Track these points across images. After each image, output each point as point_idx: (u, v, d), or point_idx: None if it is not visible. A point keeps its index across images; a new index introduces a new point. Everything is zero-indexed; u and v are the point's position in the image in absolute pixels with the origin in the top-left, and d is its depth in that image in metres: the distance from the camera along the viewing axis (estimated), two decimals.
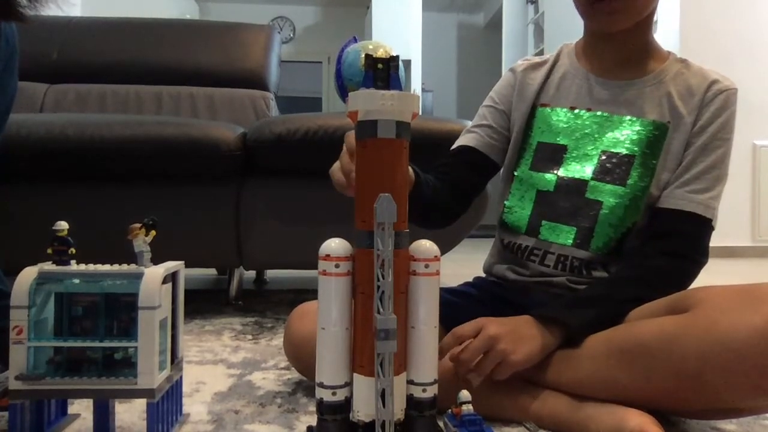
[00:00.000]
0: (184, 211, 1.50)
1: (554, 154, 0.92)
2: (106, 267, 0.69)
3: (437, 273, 0.64)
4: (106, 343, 0.67)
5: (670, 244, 0.83)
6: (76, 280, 0.68)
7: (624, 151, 0.88)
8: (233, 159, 1.49)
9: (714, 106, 0.86)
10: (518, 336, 0.76)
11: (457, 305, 0.93)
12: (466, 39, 6.95)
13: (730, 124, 0.87)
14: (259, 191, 1.55)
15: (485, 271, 1.01)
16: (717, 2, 3.32)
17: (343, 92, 1.58)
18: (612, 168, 0.88)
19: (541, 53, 5.18)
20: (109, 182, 1.48)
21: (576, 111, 0.93)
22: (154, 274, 0.67)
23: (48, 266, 0.68)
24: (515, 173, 0.96)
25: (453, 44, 6.95)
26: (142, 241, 0.69)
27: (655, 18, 3.27)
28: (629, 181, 0.87)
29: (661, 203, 0.86)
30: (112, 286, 0.68)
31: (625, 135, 0.89)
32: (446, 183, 0.94)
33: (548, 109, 0.95)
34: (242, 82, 2.27)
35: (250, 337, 1.33)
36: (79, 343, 0.67)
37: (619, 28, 0.88)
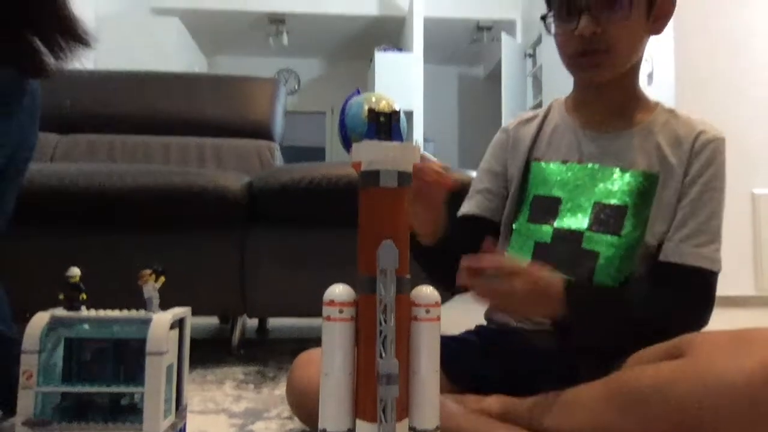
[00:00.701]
0: (190, 258, 1.52)
1: (550, 207, 0.94)
2: (116, 312, 0.71)
3: (438, 318, 0.66)
4: (114, 389, 0.68)
5: (679, 296, 0.85)
6: (86, 326, 0.70)
7: (616, 202, 0.90)
8: (239, 207, 1.52)
9: (704, 156, 0.88)
10: (538, 298, 0.79)
11: (459, 352, 0.94)
12: (467, 90, 7.11)
13: (721, 173, 0.89)
14: (263, 239, 1.58)
15: (486, 318, 1.02)
16: (711, 54, 3.41)
17: (346, 143, 1.62)
18: (606, 219, 0.90)
19: (539, 104, 5.29)
20: (118, 229, 1.51)
21: (568, 164, 0.95)
22: (162, 320, 0.69)
23: (60, 311, 0.70)
24: (513, 226, 0.98)
25: (454, 95, 7.11)
26: (151, 287, 0.71)
27: (650, 70, 3.36)
28: (623, 231, 0.88)
29: (666, 257, 0.87)
30: (121, 332, 0.70)
31: (616, 186, 0.90)
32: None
33: (542, 163, 0.97)
34: (248, 132, 2.33)
35: (252, 386, 1.33)
36: (87, 388, 0.68)
37: (603, 80, 0.90)
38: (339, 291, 0.65)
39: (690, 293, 0.85)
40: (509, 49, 5.52)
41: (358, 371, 0.63)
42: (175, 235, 1.52)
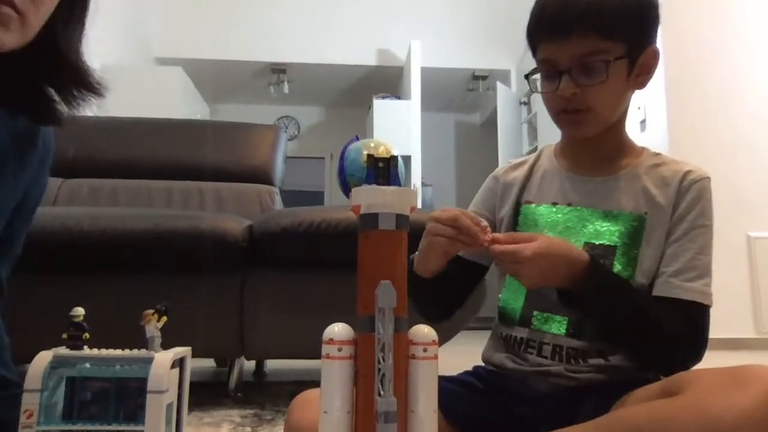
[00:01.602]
0: (189, 300, 1.53)
1: None
2: (118, 352, 0.72)
3: (436, 357, 0.67)
4: (114, 427, 0.69)
5: (675, 327, 0.86)
6: (88, 365, 0.71)
7: (606, 242, 0.92)
8: (239, 250, 1.54)
9: (690, 195, 0.90)
10: (562, 259, 0.83)
11: (457, 393, 0.94)
12: (464, 137, 7.23)
13: (707, 210, 0.91)
14: (263, 281, 1.59)
15: (484, 360, 1.03)
16: (703, 100, 3.50)
17: (345, 187, 1.66)
18: (596, 258, 0.91)
19: (535, 150, 5.38)
20: (120, 271, 1.53)
21: (557, 206, 0.97)
22: (163, 358, 0.70)
23: (62, 350, 0.71)
24: None
25: (451, 141, 7.22)
26: (153, 327, 0.73)
27: (642, 117, 3.43)
28: (614, 271, 0.90)
29: (658, 293, 0.88)
30: (122, 371, 0.71)
31: (605, 227, 0.92)
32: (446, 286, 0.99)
33: (533, 206, 1.00)
34: (249, 177, 2.38)
35: (249, 429, 1.32)
36: (87, 427, 0.68)
37: (585, 136, 0.94)
38: (338, 330, 0.66)
39: (683, 327, 0.86)
40: (504, 97, 5.64)
41: (357, 409, 0.64)
42: (175, 277, 1.54)
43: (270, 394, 1.76)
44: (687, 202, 0.90)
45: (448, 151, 7.16)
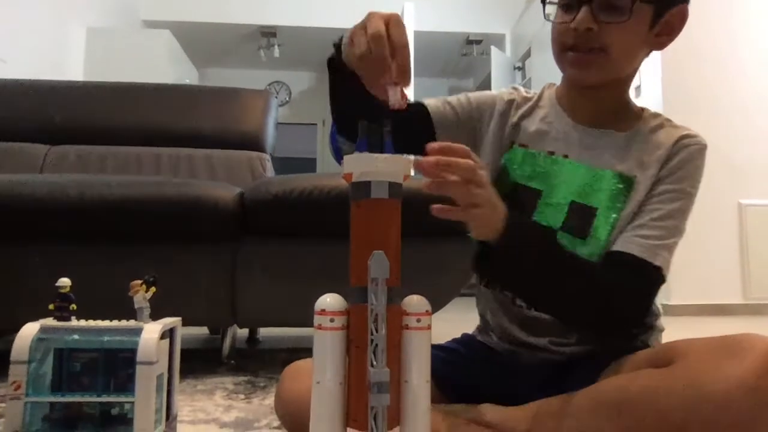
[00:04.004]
0: (180, 269, 1.52)
1: (530, 199, 0.91)
2: (106, 323, 0.71)
3: (429, 327, 0.66)
4: (104, 398, 0.68)
5: (615, 280, 0.81)
6: (76, 336, 0.70)
7: (588, 203, 0.88)
8: (230, 218, 1.52)
9: (679, 158, 0.86)
10: (494, 201, 0.72)
11: (448, 362, 0.95)
12: None
13: (692, 177, 0.86)
14: (254, 250, 1.58)
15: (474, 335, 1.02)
16: (698, 67, 3.47)
17: (337, 154, 1.62)
18: (576, 219, 0.87)
19: None
20: (109, 240, 1.51)
21: (553, 156, 0.92)
22: (152, 329, 0.69)
23: (49, 322, 0.70)
24: None
25: None
26: (142, 297, 0.71)
27: (638, 83, 3.38)
28: (590, 235, 0.86)
29: (614, 246, 0.84)
30: (111, 342, 0.70)
31: (593, 186, 0.88)
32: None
33: (527, 150, 0.93)
34: (240, 144, 2.34)
35: (242, 396, 1.33)
36: (77, 398, 0.68)
37: (590, 82, 0.88)
38: (330, 300, 0.65)
39: (626, 280, 0.81)
40: (499, 62, 5.57)
41: (350, 380, 0.64)
42: (165, 245, 1.52)
43: (263, 361, 1.77)
44: (673, 164, 0.86)
45: None
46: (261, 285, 1.55)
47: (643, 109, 0.94)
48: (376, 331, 0.60)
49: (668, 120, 0.92)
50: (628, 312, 0.82)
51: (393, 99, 0.68)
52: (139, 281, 0.72)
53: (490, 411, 0.87)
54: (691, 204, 0.86)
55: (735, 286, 3.39)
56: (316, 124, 6.92)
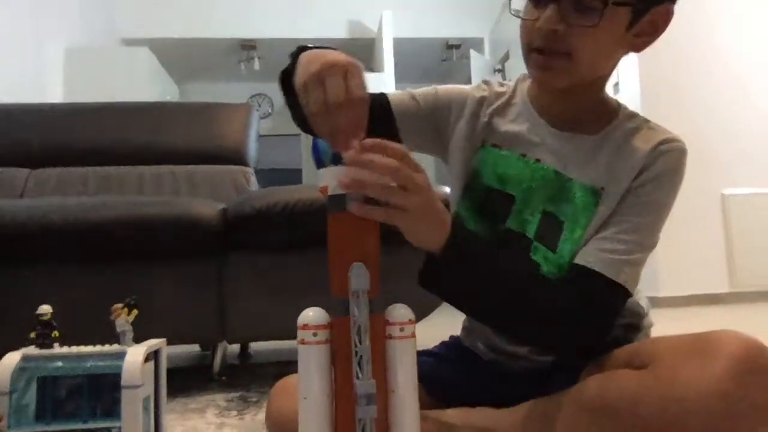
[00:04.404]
0: (166, 288, 1.51)
1: (503, 204, 0.86)
2: (89, 348, 0.70)
3: (413, 335, 0.66)
4: (90, 425, 0.68)
5: (570, 296, 0.76)
6: (60, 363, 0.69)
7: (557, 214, 0.83)
8: (214, 234, 1.52)
9: (655, 167, 0.80)
10: (429, 209, 0.66)
11: (436, 367, 0.94)
12: None
13: (671, 186, 0.81)
14: (240, 265, 1.57)
15: (462, 338, 1.02)
16: (677, 58, 3.48)
17: (320, 165, 1.63)
18: (547, 230, 0.83)
19: None
20: (93, 263, 1.49)
21: (526, 159, 0.86)
22: (135, 353, 0.68)
23: (31, 350, 0.70)
24: (463, 217, 0.88)
25: None
26: (124, 321, 0.71)
27: (616, 80, 3.39)
28: (558, 248, 0.82)
29: (575, 259, 0.80)
30: (95, 368, 0.69)
31: (563, 196, 0.83)
32: None
33: (500, 151, 0.87)
34: (222, 159, 2.33)
35: (235, 413, 1.32)
36: (62, 427, 0.67)
37: (552, 87, 0.82)
38: (312, 315, 0.65)
39: (583, 299, 0.75)
40: (478, 65, 5.60)
41: (336, 393, 0.64)
42: (150, 265, 1.51)
43: (255, 375, 1.76)
44: (649, 174, 0.80)
45: None
46: (249, 300, 1.55)
47: (619, 108, 0.87)
48: (360, 343, 0.60)
49: (646, 121, 0.86)
50: (585, 332, 0.76)
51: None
52: (120, 305, 0.71)
53: (480, 415, 0.87)
54: (666, 213, 0.81)
55: (722, 276, 3.42)
56: (299, 135, 6.89)
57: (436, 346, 1.03)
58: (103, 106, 2.44)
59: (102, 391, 0.70)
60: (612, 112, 0.87)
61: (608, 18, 0.73)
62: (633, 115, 0.87)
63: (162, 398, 0.75)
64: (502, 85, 0.94)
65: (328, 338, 0.64)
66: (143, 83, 4.52)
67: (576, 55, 0.76)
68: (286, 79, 0.79)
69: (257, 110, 2.66)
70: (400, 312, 0.66)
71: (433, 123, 0.91)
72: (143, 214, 1.48)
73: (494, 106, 0.90)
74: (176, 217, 1.49)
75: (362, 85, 0.63)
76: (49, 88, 4.03)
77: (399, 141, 0.85)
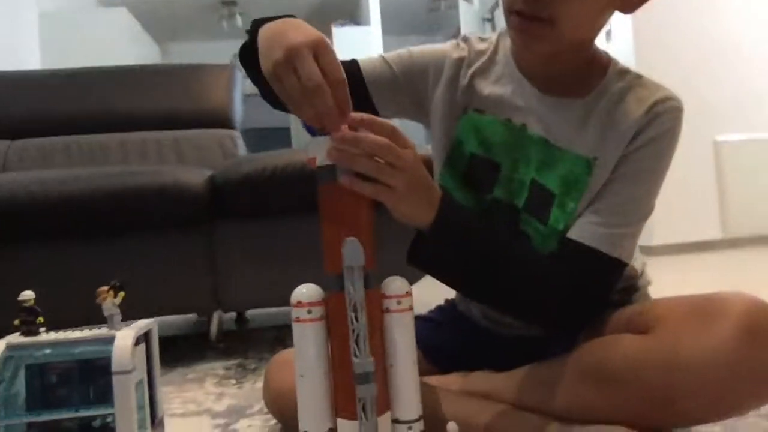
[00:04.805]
0: (156, 260, 1.49)
1: (488, 172, 0.82)
2: (77, 333, 0.68)
3: (410, 308, 0.64)
4: (82, 413, 0.66)
5: (565, 272, 0.74)
6: (48, 350, 0.67)
7: (548, 186, 0.78)
8: (202, 202, 1.48)
9: (650, 130, 0.75)
10: (418, 199, 0.65)
11: (434, 333, 0.93)
12: None
13: (667, 150, 0.76)
14: (231, 232, 1.54)
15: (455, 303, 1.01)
16: (670, 6, 3.42)
17: (308, 127, 1.59)
18: (537, 201, 0.79)
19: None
20: (78, 238, 1.46)
21: (511, 125, 0.80)
22: (125, 337, 0.66)
23: (16, 338, 0.67)
24: (447, 188, 0.83)
25: None
26: (111, 304, 0.68)
27: (608, 27, 3.31)
28: (549, 221, 0.78)
29: (569, 233, 0.76)
30: (84, 352, 0.67)
31: (552, 165, 0.78)
32: None
33: (483, 117, 0.82)
34: (207, 122, 2.27)
35: (233, 381, 1.32)
36: (54, 416, 0.65)
37: (540, 52, 0.76)
38: (306, 291, 0.63)
39: (578, 276, 0.74)
40: (467, 15, 5.46)
41: (334, 370, 0.62)
42: (138, 237, 1.48)
43: (253, 341, 1.76)
44: (644, 138, 0.75)
45: None
46: (241, 267, 1.53)
47: (609, 63, 0.81)
48: (357, 321, 0.58)
49: (638, 77, 0.79)
50: (580, 310, 0.75)
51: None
52: (106, 287, 0.69)
53: (479, 380, 0.86)
54: (663, 178, 0.77)
55: (714, 222, 3.43)
56: None
57: (431, 311, 1.02)
58: (82, 72, 2.35)
59: (94, 376, 0.68)
60: (601, 69, 0.80)
61: None
62: (624, 72, 0.80)
63: (156, 378, 0.74)
64: (482, 40, 0.87)
65: (323, 315, 0.63)
66: (123, 46, 4.38)
67: (559, 23, 0.69)
68: (246, 54, 0.74)
69: (241, 70, 2.57)
70: (397, 285, 0.64)
71: (410, 90, 0.86)
72: (128, 184, 1.44)
73: (475, 66, 0.84)
74: (162, 186, 1.45)
75: (335, 62, 0.59)
76: (25, 56, 3.90)
77: (374, 111, 0.84)
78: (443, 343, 0.95)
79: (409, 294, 0.64)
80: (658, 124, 0.75)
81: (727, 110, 3.47)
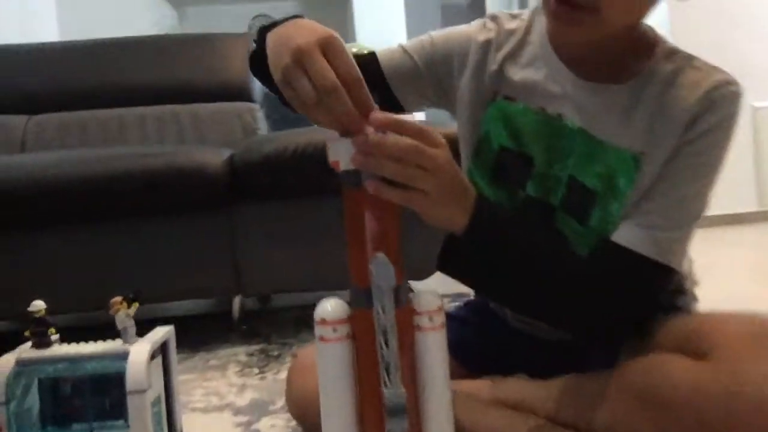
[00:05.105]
0: (176, 243, 1.46)
1: (521, 167, 0.74)
2: (90, 347, 0.65)
3: (442, 325, 0.59)
4: (97, 429, 0.63)
5: (611, 279, 0.68)
6: (59, 365, 0.64)
7: (588, 184, 0.71)
8: (221, 184, 1.44)
9: (708, 120, 0.66)
10: (450, 189, 0.59)
11: (463, 332, 0.87)
12: (450, 20, 6.75)
13: (726, 141, 0.68)
14: (252, 215, 1.50)
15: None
16: None
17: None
18: (575, 200, 0.72)
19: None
20: (95, 221, 1.43)
21: (546, 114, 0.72)
22: (140, 352, 0.62)
23: (27, 351, 0.64)
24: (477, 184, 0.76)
25: (438, 26, 6.86)
26: (124, 315, 0.65)
27: None
28: (590, 222, 0.71)
29: (614, 235, 0.69)
30: (97, 368, 0.64)
31: (594, 162, 0.71)
32: None
33: (513, 105, 0.74)
34: (226, 95, 2.21)
35: (256, 370, 1.29)
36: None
37: (580, 40, 0.69)
38: (331, 308, 0.58)
39: (625, 282, 0.67)
40: None
41: (362, 394, 0.57)
42: (157, 220, 1.45)
43: (276, 323, 1.73)
44: (700, 129, 0.66)
45: None
46: (262, 251, 1.49)
47: (656, 42, 0.72)
48: (387, 346, 0.53)
49: (689, 58, 0.70)
50: (624, 319, 0.69)
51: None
52: (119, 298, 0.64)
53: (512, 387, 0.81)
54: (718, 174, 0.69)
55: (750, 194, 3.30)
56: None
57: (459, 307, 0.97)
58: (99, 44, 2.30)
59: (108, 389, 0.65)
60: (647, 48, 0.71)
61: None
62: (673, 52, 0.71)
63: (173, 391, 0.70)
64: (513, 18, 0.79)
65: (349, 333, 0.58)
66: (139, 11, 4.33)
67: (605, 12, 0.61)
68: (255, 62, 0.69)
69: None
70: (428, 299, 0.59)
71: (433, 80, 0.78)
72: (145, 166, 1.40)
73: (505, 49, 0.76)
74: (180, 167, 1.41)
75: (348, 59, 0.53)
76: (42, 28, 3.84)
77: (396, 105, 0.78)
78: (472, 342, 0.90)
79: (440, 309, 0.59)
80: (714, 113, 0.66)
81: (766, 74, 3.30)
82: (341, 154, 0.57)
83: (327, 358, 0.58)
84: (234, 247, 1.49)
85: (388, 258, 0.53)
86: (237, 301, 1.63)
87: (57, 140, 2.05)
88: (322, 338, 0.58)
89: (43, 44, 2.53)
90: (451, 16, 6.86)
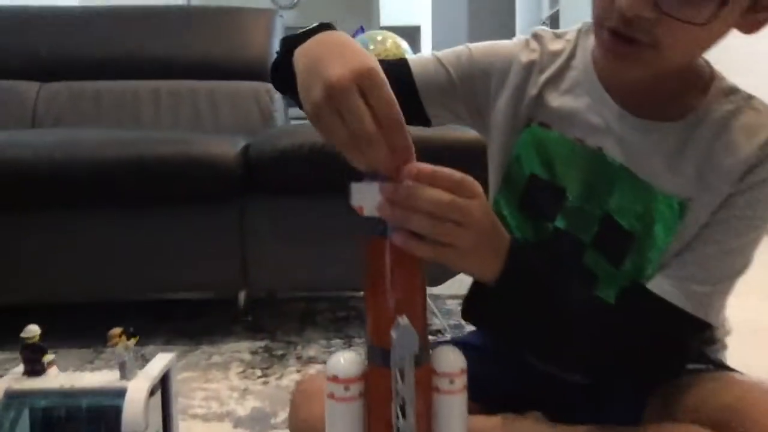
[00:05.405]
0: (183, 234, 1.42)
1: (552, 197, 0.70)
2: (86, 378, 0.61)
3: (464, 388, 0.55)
4: None
5: (642, 332, 0.64)
6: (52, 399, 0.60)
7: (625, 225, 0.66)
8: (234, 176, 1.40)
9: (763, 174, 0.61)
10: (486, 242, 0.55)
11: (476, 363, 0.83)
12: (477, 2, 6.69)
13: None
14: (262, 209, 1.46)
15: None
16: None
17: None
18: (610, 240, 0.67)
19: (556, 15, 4.93)
20: (102, 208, 1.39)
21: (584, 146, 0.67)
22: (138, 390, 0.58)
23: (18, 380, 0.60)
24: (502, 213, 0.73)
25: (464, 7, 6.69)
26: (123, 349, 0.61)
27: None
28: (624, 267, 0.67)
29: (648, 282, 0.65)
30: (92, 404, 0.60)
31: (633, 203, 0.66)
32: None
33: (548, 133, 0.69)
34: (244, 73, 2.15)
35: (259, 372, 1.27)
36: None
37: (630, 76, 0.63)
38: (344, 363, 0.54)
39: (658, 334, 0.63)
40: None
41: None
42: (165, 210, 1.41)
43: (281, 316, 1.70)
44: (754, 178, 0.61)
45: (461, 18, 6.65)
46: (271, 247, 1.45)
47: (712, 77, 0.66)
48: (404, 418, 0.49)
49: (748, 98, 0.65)
50: (658, 374, 0.67)
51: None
52: (119, 330, 0.60)
53: (525, 429, 0.77)
54: (760, 237, 0.63)
55: None
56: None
57: (476, 334, 0.92)
58: (116, 11, 2.26)
59: (105, 420, 0.61)
60: (702, 84, 0.66)
61: (723, 14, 0.54)
62: (731, 91, 0.65)
63: (172, 424, 0.66)
64: (557, 37, 0.72)
65: (362, 392, 0.54)
66: None
67: (663, 48, 0.56)
68: (278, 73, 0.64)
69: (280, 16, 2.41)
70: (450, 359, 0.54)
71: (468, 97, 0.73)
72: (157, 154, 1.36)
73: (548, 72, 0.70)
74: (193, 157, 1.36)
75: (388, 97, 0.47)
76: None
77: (421, 119, 0.73)
78: (489, 375, 0.85)
79: (463, 371, 0.55)
80: (764, 168, 0.61)
81: None
82: (366, 200, 0.51)
83: (336, 417, 0.54)
84: (242, 241, 1.45)
85: (412, 322, 0.49)
86: (242, 294, 1.60)
87: (69, 111, 2.00)
88: (332, 395, 0.53)
89: (61, 8, 2.47)
90: None
